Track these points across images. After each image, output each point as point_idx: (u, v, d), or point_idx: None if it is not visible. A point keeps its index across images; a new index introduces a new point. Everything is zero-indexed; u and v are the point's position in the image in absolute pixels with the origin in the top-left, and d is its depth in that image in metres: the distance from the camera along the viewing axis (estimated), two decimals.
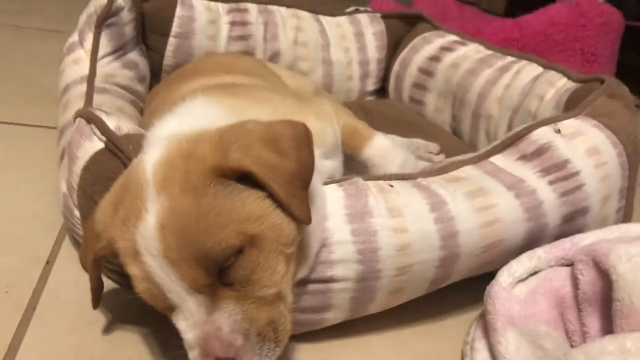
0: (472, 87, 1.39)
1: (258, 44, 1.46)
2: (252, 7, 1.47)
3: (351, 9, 1.69)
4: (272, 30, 1.48)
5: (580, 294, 0.76)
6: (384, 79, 1.66)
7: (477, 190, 0.84)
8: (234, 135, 0.65)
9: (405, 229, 0.78)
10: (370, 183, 0.82)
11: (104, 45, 1.15)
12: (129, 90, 1.19)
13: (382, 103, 1.58)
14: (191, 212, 0.61)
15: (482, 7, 2.53)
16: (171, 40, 1.35)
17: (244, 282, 0.63)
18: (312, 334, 0.82)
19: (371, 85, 1.64)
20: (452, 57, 1.46)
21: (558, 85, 1.19)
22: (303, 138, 0.68)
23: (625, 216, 1.00)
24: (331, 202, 0.78)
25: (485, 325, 0.80)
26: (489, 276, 0.83)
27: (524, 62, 1.33)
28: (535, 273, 0.81)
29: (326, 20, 1.59)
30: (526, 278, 0.80)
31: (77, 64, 1.14)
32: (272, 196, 0.64)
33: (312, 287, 0.77)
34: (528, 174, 0.88)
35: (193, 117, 0.76)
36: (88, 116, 0.84)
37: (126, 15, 1.22)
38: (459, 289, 0.88)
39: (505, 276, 0.79)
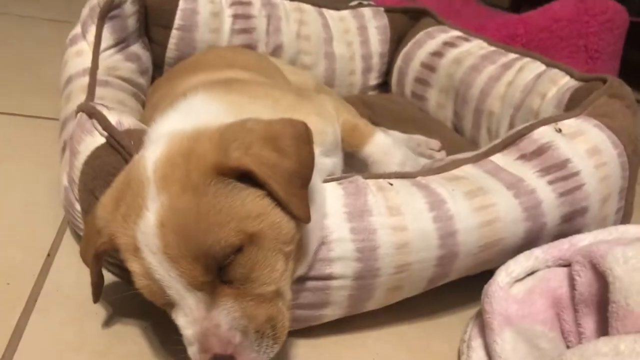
0: (474, 84, 1.38)
1: (261, 37, 1.46)
2: (255, 0, 1.46)
3: (355, 2, 1.69)
4: (275, 24, 1.48)
5: (577, 295, 0.76)
6: (387, 73, 1.65)
7: (476, 189, 0.85)
8: (234, 134, 0.65)
9: (405, 228, 0.78)
10: (370, 181, 0.82)
11: (107, 38, 1.15)
12: (131, 83, 1.19)
13: (384, 98, 1.58)
14: (191, 210, 0.62)
15: (487, 2, 2.52)
16: (174, 33, 1.35)
17: (243, 279, 0.64)
18: (310, 330, 0.83)
19: (374, 80, 1.63)
20: (455, 53, 1.46)
21: (560, 83, 1.19)
22: (303, 137, 0.68)
23: (625, 216, 1.00)
24: (331, 200, 0.79)
25: (482, 324, 0.80)
26: (487, 274, 0.83)
27: (527, 59, 1.33)
28: (532, 273, 0.81)
29: (329, 13, 1.59)
30: (524, 278, 0.81)
31: (79, 56, 1.14)
32: (271, 195, 0.65)
33: (310, 284, 0.78)
34: (528, 173, 0.89)
35: (194, 114, 0.76)
36: (89, 111, 0.85)
37: (129, 8, 1.22)
38: (456, 287, 0.89)
39: (502, 276, 0.80)
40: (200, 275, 0.62)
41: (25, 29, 1.96)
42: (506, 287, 0.79)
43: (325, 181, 0.82)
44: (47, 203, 1.03)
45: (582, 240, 0.82)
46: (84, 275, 0.75)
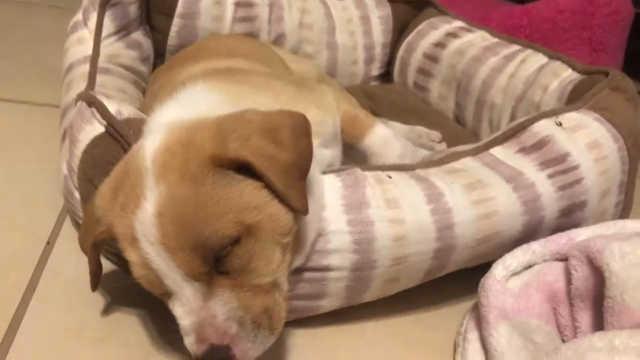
0: (476, 75, 1.38)
1: (263, 26, 1.45)
2: None
3: None
4: (277, 12, 1.47)
5: (573, 290, 0.76)
6: (389, 63, 1.65)
7: (475, 182, 0.85)
8: (233, 125, 0.65)
9: (402, 221, 0.79)
10: (369, 173, 0.82)
11: (108, 25, 1.15)
12: (132, 71, 1.19)
13: (386, 88, 1.57)
14: (189, 201, 0.62)
15: None
16: (176, 21, 1.34)
17: (240, 270, 0.64)
18: (307, 320, 0.83)
19: (376, 70, 1.63)
20: (458, 44, 1.45)
21: (562, 76, 1.18)
22: (302, 128, 0.68)
23: (624, 210, 1.00)
24: (329, 192, 0.79)
25: (479, 317, 0.81)
26: (485, 266, 0.83)
27: (529, 51, 1.32)
28: (529, 267, 0.82)
29: (332, 2, 1.58)
30: (520, 271, 0.81)
31: (80, 44, 1.14)
32: (269, 186, 0.65)
33: (307, 275, 0.78)
34: (527, 166, 0.89)
35: (193, 104, 0.76)
36: (89, 99, 0.85)
37: None
38: (454, 278, 0.89)
39: (499, 269, 0.80)
40: (198, 265, 0.62)
41: (27, 15, 1.95)
42: (503, 281, 0.79)
43: (324, 173, 0.82)
44: (47, 191, 1.04)
45: (580, 234, 0.83)
46: (83, 263, 0.75)
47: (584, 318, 0.76)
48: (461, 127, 1.42)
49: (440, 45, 1.49)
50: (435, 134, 1.28)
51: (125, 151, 0.77)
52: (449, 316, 0.90)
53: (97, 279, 0.75)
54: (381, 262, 0.79)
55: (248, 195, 0.64)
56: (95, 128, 0.82)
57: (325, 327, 0.84)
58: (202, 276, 0.63)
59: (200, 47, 1.16)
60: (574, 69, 1.18)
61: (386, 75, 1.66)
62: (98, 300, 0.83)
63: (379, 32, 1.61)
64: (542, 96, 1.20)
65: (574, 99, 1.07)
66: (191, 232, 0.61)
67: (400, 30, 1.62)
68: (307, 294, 0.79)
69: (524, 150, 0.91)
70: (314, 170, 0.76)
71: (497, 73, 1.34)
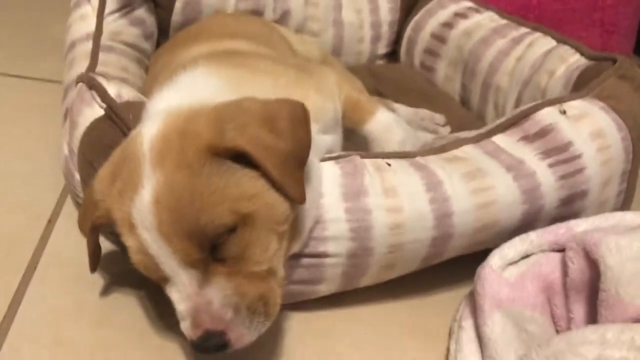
0: (483, 57, 1.36)
1: (268, 3, 1.43)
2: None
3: None
4: None
5: (569, 281, 0.77)
6: (396, 42, 1.63)
7: (475, 170, 0.84)
8: (231, 114, 0.65)
9: (400, 209, 0.79)
10: (368, 161, 0.82)
11: (111, 2, 1.14)
12: (135, 48, 1.18)
13: (392, 68, 1.56)
14: (186, 189, 0.62)
15: None
16: None
17: (236, 258, 0.65)
18: (303, 304, 0.84)
19: (382, 49, 1.61)
20: (466, 25, 1.43)
21: (570, 61, 1.17)
22: (300, 118, 0.68)
23: (626, 199, 1.00)
24: (327, 179, 0.79)
25: (474, 305, 0.81)
26: (483, 252, 0.84)
27: (537, 34, 1.30)
28: (526, 256, 0.82)
29: None
30: (517, 261, 0.81)
31: (83, 20, 1.13)
32: (266, 176, 0.65)
33: (304, 261, 0.78)
34: (529, 155, 0.88)
35: (192, 89, 0.76)
36: (89, 82, 0.85)
37: None
38: (451, 264, 0.89)
39: (496, 259, 0.80)
40: (194, 253, 0.63)
41: None
42: (499, 270, 0.80)
43: (324, 159, 0.82)
44: (49, 168, 1.04)
45: (579, 225, 0.82)
46: (83, 243, 0.76)
47: (579, 309, 0.76)
48: (466, 110, 1.40)
49: (448, 25, 1.47)
50: (439, 117, 1.27)
51: (125, 135, 0.77)
52: (446, 301, 0.90)
53: (96, 261, 0.76)
54: (378, 250, 0.79)
55: (245, 184, 0.64)
56: (95, 111, 0.82)
57: (321, 310, 0.85)
58: (198, 263, 0.63)
59: (202, 27, 1.15)
60: (582, 54, 1.17)
61: (392, 54, 1.64)
62: (97, 281, 0.84)
63: (386, 10, 1.59)
64: (548, 81, 1.18)
65: (580, 85, 1.06)
66: (187, 220, 0.62)
67: (408, 8, 1.60)
68: (303, 279, 0.80)
69: (527, 138, 0.91)
70: (313, 158, 0.76)
71: (504, 56, 1.32)
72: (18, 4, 1.76)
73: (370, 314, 0.87)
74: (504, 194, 0.84)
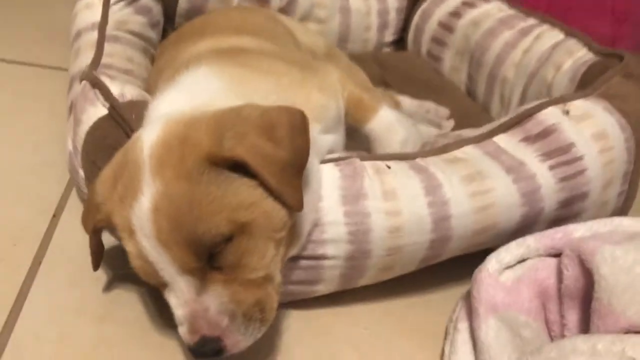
0: (490, 48, 1.36)
1: None
2: None
3: None
4: None
5: (563, 288, 0.77)
6: (403, 30, 1.62)
7: (475, 173, 0.85)
8: (230, 122, 0.66)
9: (399, 213, 0.79)
10: (367, 163, 0.82)
11: None
12: (141, 37, 1.18)
13: (398, 57, 1.55)
14: (184, 198, 0.63)
15: None
16: None
17: (233, 266, 0.66)
18: (302, 302, 0.85)
19: (389, 36, 1.60)
20: (473, 14, 1.42)
21: (577, 55, 1.16)
22: (299, 125, 0.69)
23: (627, 200, 1.00)
24: (327, 182, 0.79)
25: (470, 306, 0.82)
26: (483, 251, 0.84)
27: (546, 26, 1.29)
28: (523, 260, 0.83)
29: None
30: (514, 265, 0.82)
31: (89, 9, 1.13)
32: (264, 184, 0.66)
33: (303, 263, 0.80)
34: (530, 156, 0.88)
35: (194, 90, 0.77)
36: (93, 81, 0.85)
37: None
38: (450, 263, 0.90)
39: (493, 263, 0.81)
40: (191, 261, 0.64)
41: None
42: (495, 275, 0.80)
43: (324, 161, 0.83)
44: (54, 160, 1.05)
45: (576, 230, 0.83)
46: (88, 238, 0.77)
47: (572, 316, 0.77)
48: (472, 101, 1.40)
49: (455, 14, 1.46)
50: (444, 111, 1.27)
51: (128, 135, 0.78)
52: (443, 301, 0.91)
53: (98, 260, 0.78)
54: (376, 252, 0.80)
55: (243, 193, 0.65)
56: (98, 110, 0.83)
57: (320, 308, 0.87)
58: (195, 271, 0.65)
59: (207, 21, 1.15)
60: (589, 48, 1.16)
61: (400, 42, 1.63)
62: (100, 276, 0.85)
63: None
64: (554, 75, 1.18)
65: (586, 81, 1.06)
66: (185, 228, 0.63)
67: None
68: (302, 280, 0.82)
69: (528, 139, 0.90)
70: (313, 161, 0.77)
71: (511, 48, 1.31)
72: None
73: (367, 313, 0.88)
74: (503, 197, 0.84)
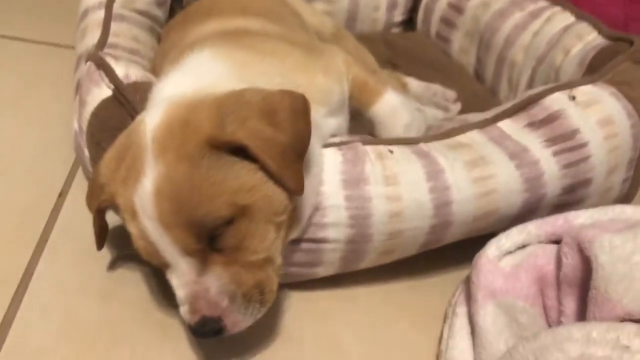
0: (500, 30, 1.34)
1: None
2: None
3: None
4: None
5: (562, 275, 0.78)
6: (413, 10, 1.60)
7: (477, 158, 0.85)
8: (232, 106, 0.66)
9: (400, 197, 0.80)
10: (370, 148, 0.83)
11: None
12: (148, 16, 1.18)
13: (407, 37, 1.54)
14: (185, 181, 0.64)
15: None
16: None
17: (234, 248, 0.67)
18: (302, 283, 0.87)
19: (399, 16, 1.59)
20: None
21: (587, 39, 1.15)
22: (300, 109, 0.69)
23: (632, 186, 1.00)
24: (329, 166, 0.80)
25: (469, 291, 0.83)
26: (485, 236, 0.85)
27: (556, 8, 1.27)
28: (523, 246, 0.83)
29: None
30: (514, 251, 0.83)
31: None
32: (265, 168, 0.66)
33: (304, 245, 0.81)
34: (534, 142, 0.88)
35: (198, 73, 0.77)
36: (98, 62, 0.86)
37: None
38: (451, 247, 0.90)
39: (493, 249, 0.81)
40: (192, 243, 0.65)
41: None
42: (495, 260, 0.81)
43: (326, 145, 0.83)
44: (61, 138, 1.06)
45: (578, 217, 0.83)
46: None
47: (570, 303, 0.77)
48: (480, 84, 1.39)
49: None
50: (451, 94, 1.26)
51: (132, 117, 0.78)
52: (444, 284, 0.92)
53: (102, 239, 0.79)
54: (376, 237, 0.81)
55: (243, 177, 0.66)
56: (103, 91, 0.83)
57: (320, 290, 0.88)
58: (196, 253, 0.66)
59: (214, 1, 1.14)
60: (599, 32, 1.14)
61: (409, 22, 1.61)
62: (105, 255, 0.87)
63: None
64: (563, 59, 1.17)
65: (594, 66, 1.05)
66: (186, 211, 0.64)
67: None
68: (302, 262, 0.82)
69: (533, 124, 0.90)
70: (315, 145, 0.77)
71: (521, 30, 1.30)
72: None
73: (367, 295, 0.89)
74: (505, 183, 0.84)
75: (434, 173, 0.82)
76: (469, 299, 0.82)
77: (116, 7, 1.10)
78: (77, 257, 0.86)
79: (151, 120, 0.68)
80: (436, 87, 1.27)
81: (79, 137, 0.89)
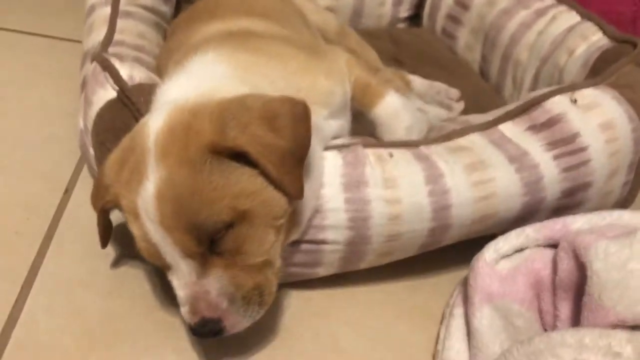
0: (505, 28, 1.34)
1: None
2: None
3: None
4: None
5: (557, 280, 0.79)
6: (419, 5, 1.60)
7: (477, 162, 0.85)
8: (233, 112, 0.67)
9: (399, 201, 0.81)
10: (370, 151, 0.84)
11: None
12: (153, 12, 1.19)
13: (412, 33, 1.54)
14: (187, 186, 0.65)
15: None
16: None
17: (233, 252, 0.68)
18: (302, 283, 0.88)
19: (404, 12, 1.58)
20: None
21: (591, 40, 1.14)
22: (301, 116, 0.70)
23: (632, 189, 1.00)
24: (329, 169, 0.81)
25: (466, 294, 0.84)
26: (484, 237, 0.86)
27: (562, 7, 1.27)
28: (521, 250, 0.84)
29: None
30: (512, 254, 0.84)
31: None
32: (265, 173, 0.67)
33: (303, 246, 0.82)
34: (534, 145, 0.88)
35: (201, 78, 0.78)
36: (103, 63, 0.87)
37: None
38: (450, 248, 0.91)
39: (490, 252, 0.82)
40: (193, 245, 0.66)
41: None
42: (492, 264, 0.82)
43: (327, 148, 0.84)
44: (66, 133, 1.07)
45: (576, 222, 0.84)
46: None
47: (565, 308, 0.78)
48: (485, 82, 1.39)
49: None
50: (454, 92, 1.27)
51: (136, 119, 0.80)
52: (442, 285, 0.93)
53: (106, 238, 0.81)
54: (375, 239, 0.82)
55: (244, 182, 0.67)
56: (107, 92, 0.84)
57: (319, 289, 0.89)
58: (197, 255, 0.67)
59: (218, 1, 1.15)
60: (604, 32, 1.14)
61: (415, 18, 1.61)
62: (109, 252, 0.88)
63: None
64: (567, 60, 1.17)
65: (598, 68, 1.05)
66: (187, 215, 0.65)
67: None
68: (303, 263, 0.84)
69: (534, 128, 0.90)
70: (316, 148, 0.78)
71: (526, 28, 1.30)
72: None
73: (366, 295, 0.90)
74: (504, 186, 0.85)
75: (433, 176, 0.83)
76: (466, 300, 0.83)
77: (122, 3, 1.11)
78: (82, 253, 0.88)
79: (154, 123, 0.70)
80: (440, 86, 1.28)
81: (84, 135, 0.91)
